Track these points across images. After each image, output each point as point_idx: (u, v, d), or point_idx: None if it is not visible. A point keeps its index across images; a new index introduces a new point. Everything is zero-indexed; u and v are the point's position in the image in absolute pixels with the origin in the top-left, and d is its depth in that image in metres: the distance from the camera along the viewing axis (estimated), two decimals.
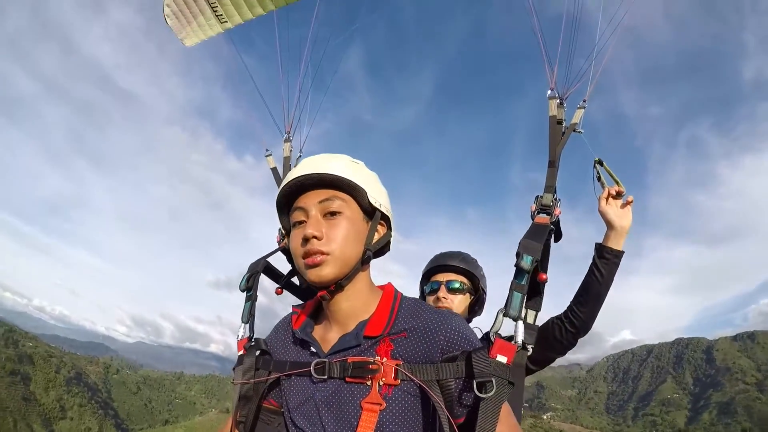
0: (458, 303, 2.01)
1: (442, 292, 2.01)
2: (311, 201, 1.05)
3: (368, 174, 1.12)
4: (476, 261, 2.10)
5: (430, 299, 2.04)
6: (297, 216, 1.07)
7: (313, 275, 1.02)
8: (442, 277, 2.05)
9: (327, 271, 1.01)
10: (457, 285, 2.01)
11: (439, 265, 2.07)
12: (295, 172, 1.08)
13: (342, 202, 1.06)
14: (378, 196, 1.11)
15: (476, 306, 2.09)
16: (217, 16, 2.88)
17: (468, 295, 2.04)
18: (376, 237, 1.12)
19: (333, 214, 1.04)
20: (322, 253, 1.01)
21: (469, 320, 2.08)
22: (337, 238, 1.02)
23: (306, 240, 1.01)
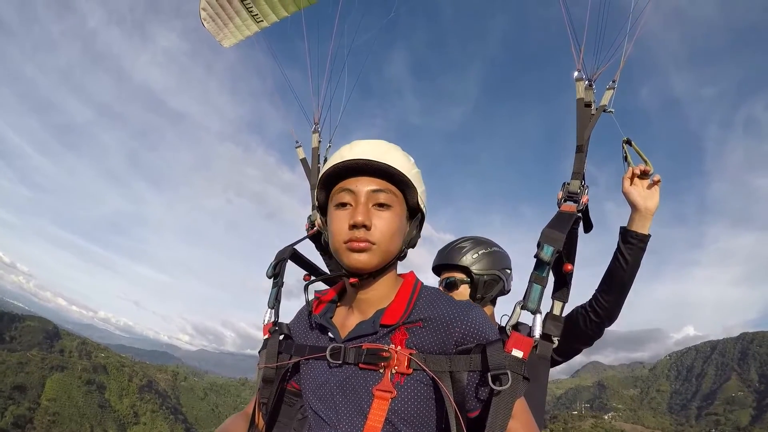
0: (460, 297, 1.88)
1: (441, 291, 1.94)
2: (363, 187, 1.03)
3: (418, 171, 1.11)
4: (468, 246, 1.96)
5: None
6: (343, 197, 1.04)
7: (353, 259, 1.01)
8: (443, 275, 1.98)
9: (369, 259, 1.01)
10: (451, 280, 1.93)
11: (437, 266, 2.01)
12: (353, 153, 1.04)
13: (393, 196, 1.05)
14: (424, 196, 1.11)
15: (478, 293, 1.92)
16: (252, 16, 2.92)
17: (466, 285, 1.94)
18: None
19: (382, 205, 1.03)
20: (369, 243, 1.01)
21: (494, 302, 2.00)
22: (384, 230, 1.02)
23: (354, 226, 1.00)
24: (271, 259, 1.40)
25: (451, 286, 1.93)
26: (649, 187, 1.60)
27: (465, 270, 1.92)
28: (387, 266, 1.07)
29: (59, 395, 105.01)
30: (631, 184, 1.62)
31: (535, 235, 1.28)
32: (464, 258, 1.92)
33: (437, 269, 2.02)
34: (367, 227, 1.00)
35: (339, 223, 1.03)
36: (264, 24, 2.98)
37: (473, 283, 1.92)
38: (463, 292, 1.93)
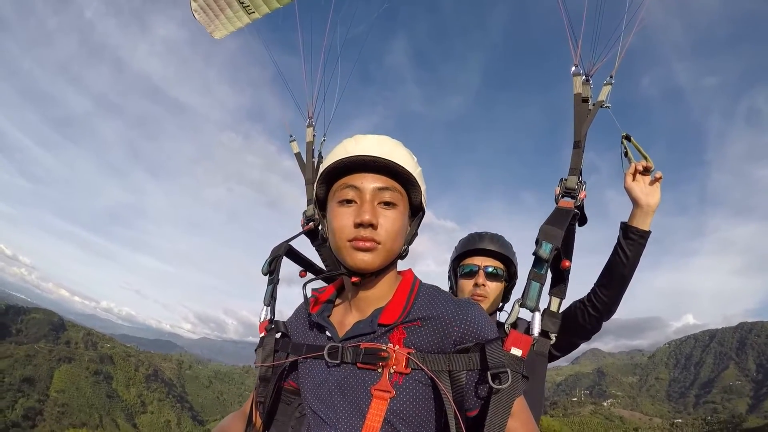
0: (494, 290, 1.88)
1: (481, 278, 1.87)
2: (369, 184, 1.02)
3: (421, 170, 1.10)
4: (511, 244, 1.96)
5: (468, 283, 1.90)
6: (347, 194, 1.02)
7: (358, 259, 1.00)
8: (480, 261, 1.89)
9: (374, 259, 1.00)
10: (495, 271, 1.88)
11: (475, 248, 1.91)
12: (358, 149, 1.02)
13: (398, 195, 1.04)
14: (426, 195, 1.11)
15: (509, 293, 1.97)
16: (244, 7, 2.84)
17: (503, 282, 1.91)
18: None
19: (387, 204, 1.02)
20: (374, 242, 0.99)
21: (501, 307, 1.98)
22: (389, 230, 1.01)
23: (360, 225, 0.99)
24: (270, 249, 1.38)
25: (493, 276, 1.88)
26: (651, 183, 1.60)
27: (504, 259, 1.89)
28: (388, 265, 1.06)
29: (67, 386, 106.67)
30: (633, 180, 1.63)
31: (536, 223, 1.24)
32: (511, 253, 1.89)
33: (465, 254, 1.94)
34: (373, 226, 0.99)
35: (343, 220, 1.01)
36: (255, 15, 2.88)
37: (510, 275, 1.91)
38: (500, 286, 1.90)
